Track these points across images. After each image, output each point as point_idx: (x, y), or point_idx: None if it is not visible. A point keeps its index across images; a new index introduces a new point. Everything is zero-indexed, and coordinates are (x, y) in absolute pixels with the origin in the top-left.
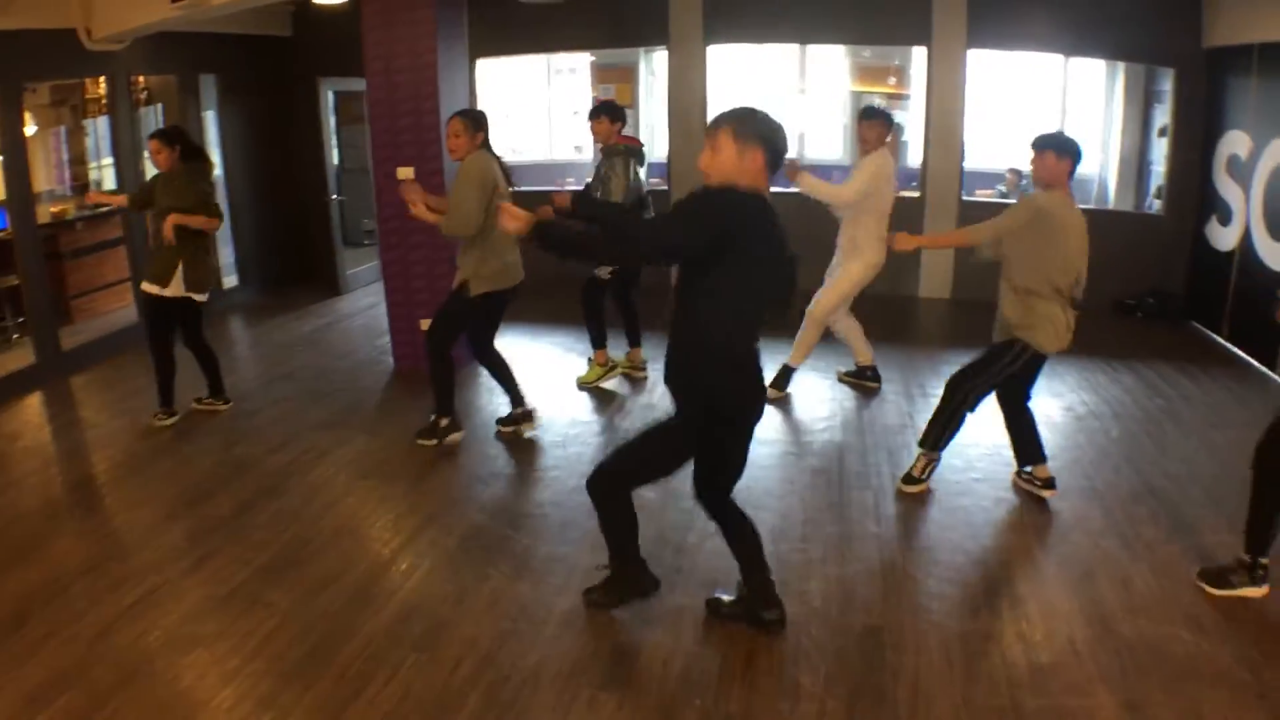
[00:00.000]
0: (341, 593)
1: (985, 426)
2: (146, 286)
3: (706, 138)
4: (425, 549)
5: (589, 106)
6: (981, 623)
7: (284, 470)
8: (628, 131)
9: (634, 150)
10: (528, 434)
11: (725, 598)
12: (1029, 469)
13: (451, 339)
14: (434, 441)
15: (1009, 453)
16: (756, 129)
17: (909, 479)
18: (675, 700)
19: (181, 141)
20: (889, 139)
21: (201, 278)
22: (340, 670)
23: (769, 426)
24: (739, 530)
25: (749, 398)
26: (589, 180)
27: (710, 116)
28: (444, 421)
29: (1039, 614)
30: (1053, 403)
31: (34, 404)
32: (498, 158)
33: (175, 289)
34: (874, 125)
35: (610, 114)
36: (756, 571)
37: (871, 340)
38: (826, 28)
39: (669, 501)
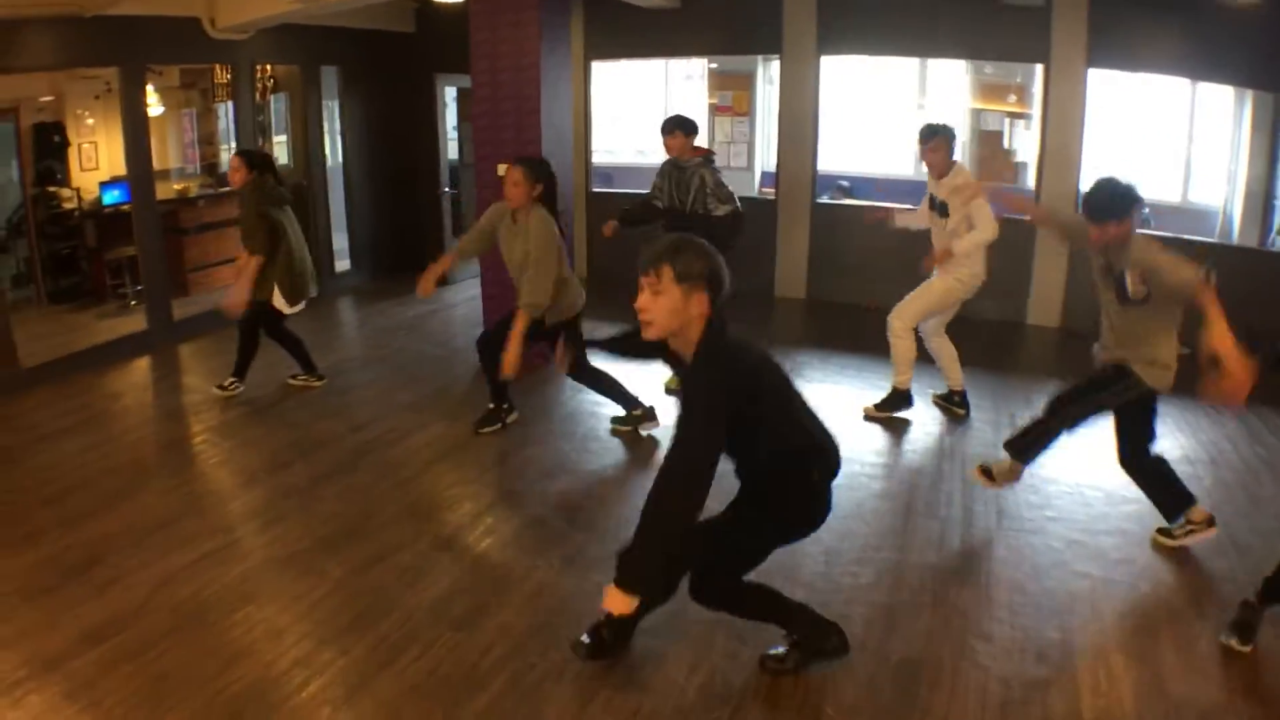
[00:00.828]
0: (393, 568)
1: (1069, 464)
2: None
3: (645, 278)
4: (481, 534)
5: (663, 118)
6: (1027, 669)
7: (363, 448)
8: (746, 137)
9: (710, 160)
10: (646, 432)
11: (777, 651)
12: (1181, 518)
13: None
14: (498, 426)
15: (1091, 493)
16: (701, 267)
17: (985, 470)
18: (692, 711)
19: (260, 167)
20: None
21: (296, 289)
22: (377, 640)
23: (846, 445)
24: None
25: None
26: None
27: (821, 128)
28: (503, 406)
29: (1090, 666)
30: (1156, 445)
31: (141, 367)
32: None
33: (278, 301)
34: (942, 143)
35: (685, 128)
36: (795, 615)
37: (967, 366)
38: (943, 42)
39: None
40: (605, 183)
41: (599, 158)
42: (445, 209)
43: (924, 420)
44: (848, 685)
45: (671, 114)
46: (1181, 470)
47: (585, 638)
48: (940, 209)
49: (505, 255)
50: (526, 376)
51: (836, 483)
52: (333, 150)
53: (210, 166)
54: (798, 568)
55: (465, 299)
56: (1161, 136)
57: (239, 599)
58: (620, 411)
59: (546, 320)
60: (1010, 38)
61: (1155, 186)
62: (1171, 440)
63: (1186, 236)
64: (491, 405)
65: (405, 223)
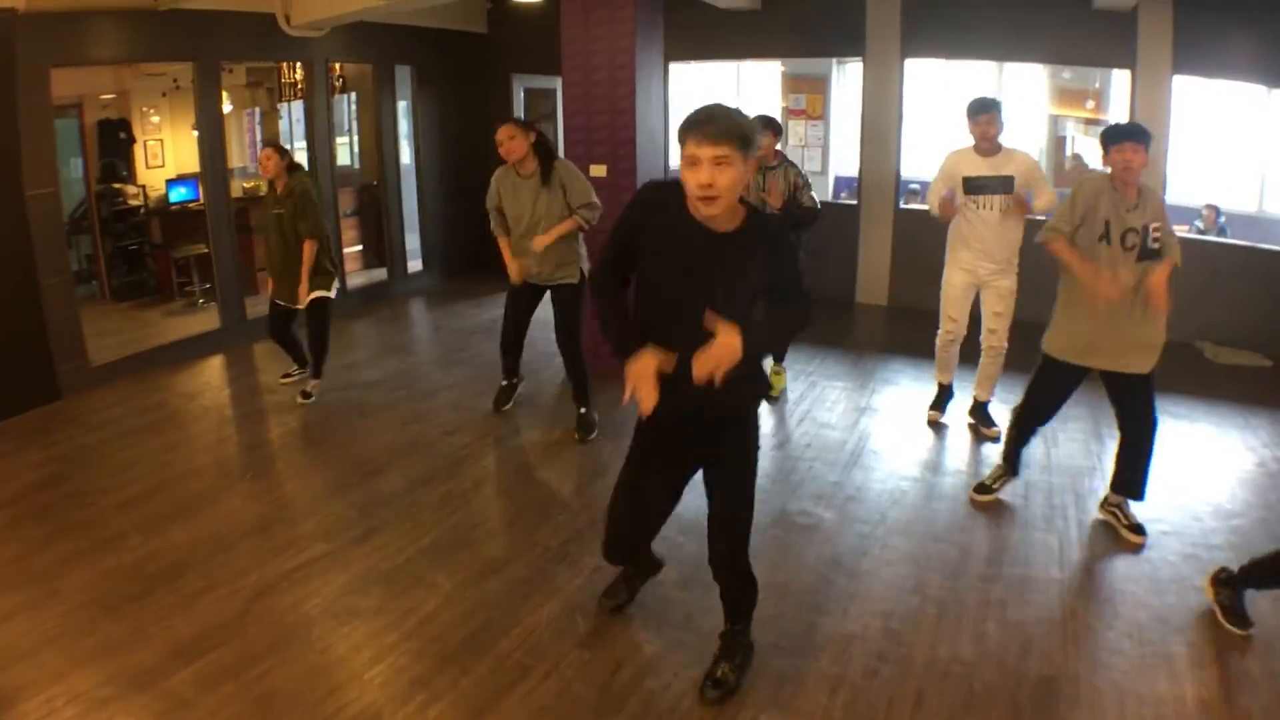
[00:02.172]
0: (506, 581)
1: (1172, 478)
2: (280, 300)
3: (704, 148)
4: (593, 547)
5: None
6: (1161, 685)
7: (457, 453)
8: (821, 141)
9: (789, 160)
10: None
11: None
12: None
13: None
14: (595, 433)
15: (1201, 507)
16: (752, 131)
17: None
18: None
19: (290, 156)
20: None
21: (324, 279)
22: (499, 659)
23: (954, 458)
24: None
25: None
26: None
27: (904, 132)
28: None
29: (1219, 681)
30: (1247, 456)
31: (215, 366)
32: None
33: (304, 299)
34: (997, 115)
35: (774, 128)
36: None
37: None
38: (1027, 46)
39: (845, 525)
40: None
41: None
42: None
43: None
44: (990, 706)
45: (758, 114)
46: None
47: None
48: (987, 186)
49: (514, 213)
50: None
51: (951, 494)
52: (405, 151)
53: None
54: (925, 583)
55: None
56: (1237, 145)
57: (344, 613)
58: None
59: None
60: (1096, 43)
61: (1231, 196)
62: (1268, 452)
63: (1263, 245)
64: (581, 410)
65: (477, 224)
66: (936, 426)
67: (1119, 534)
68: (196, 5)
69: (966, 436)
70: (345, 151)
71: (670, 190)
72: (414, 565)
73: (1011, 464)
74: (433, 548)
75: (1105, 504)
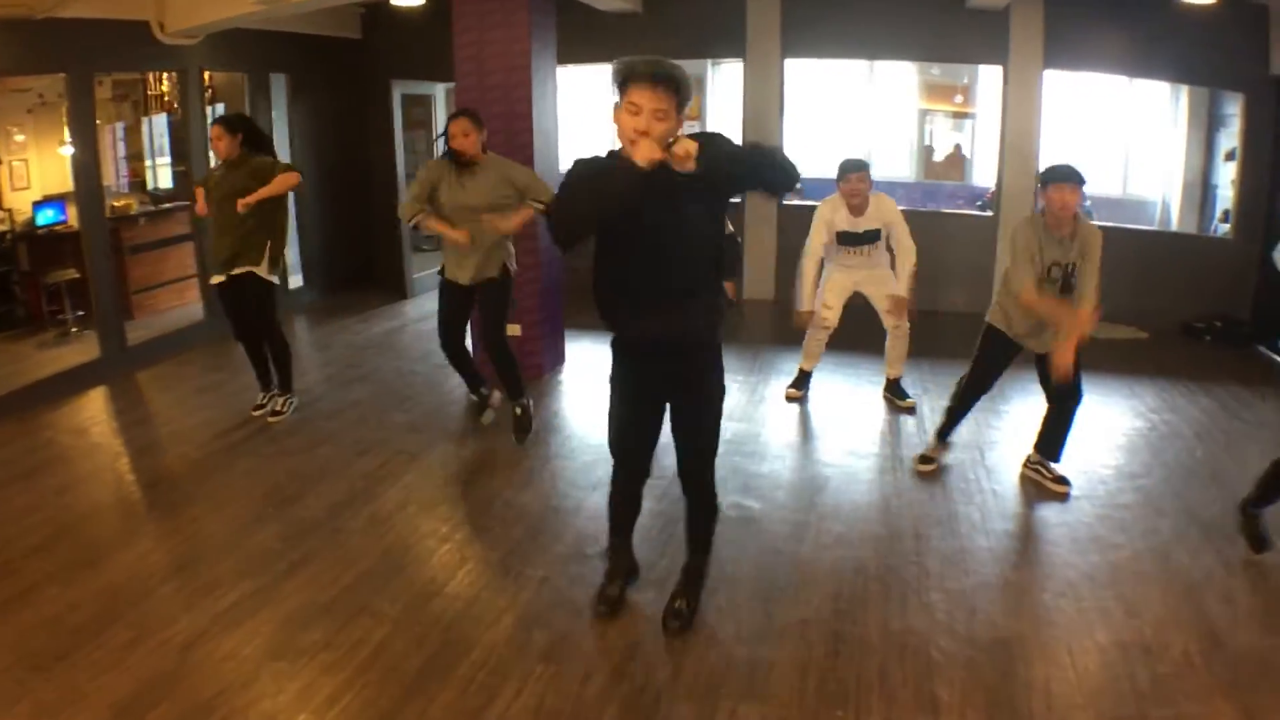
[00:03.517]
0: (452, 601)
1: (1076, 447)
2: (233, 270)
3: (645, 97)
4: (534, 557)
5: None
6: (1100, 635)
7: (374, 473)
8: None
9: None
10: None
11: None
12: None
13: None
14: (532, 430)
15: (1105, 471)
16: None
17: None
18: (817, 713)
19: (245, 129)
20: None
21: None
22: (464, 683)
23: (864, 441)
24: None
25: None
26: None
27: (785, 131)
28: (524, 404)
29: (1152, 627)
30: (1137, 422)
31: (99, 399)
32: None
33: (265, 269)
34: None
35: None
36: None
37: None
38: (903, 45)
39: (777, 514)
40: None
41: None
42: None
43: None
44: (952, 672)
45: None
46: (1173, 444)
47: (602, 602)
48: (859, 240)
49: (452, 207)
50: (533, 383)
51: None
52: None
53: (140, 184)
54: (864, 563)
55: (430, 313)
56: (1101, 132)
57: (289, 652)
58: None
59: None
60: (969, 40)
61: (1097, 180)
62: (1157, 417)
63: (1128, 225)
64: (518, 411)
65: (359, 236)
66: (844, 415)
67: (1044, 487)
68: (69, 13)
69: (869, 419)
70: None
71: (601, 158)
72: (353, 594)
73: (945, 435)
74: (369, 574)
75: (1028, 463)
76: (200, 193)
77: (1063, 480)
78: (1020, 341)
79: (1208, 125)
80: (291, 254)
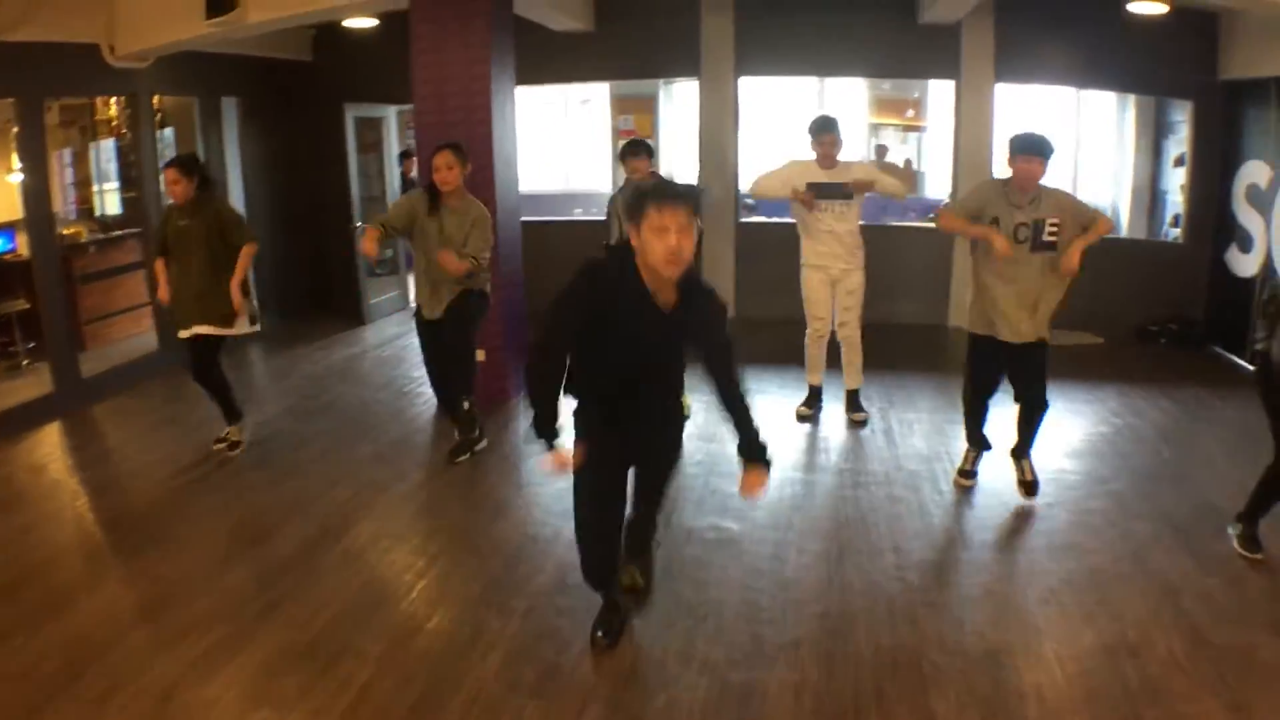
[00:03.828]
0: (436, 638)
1: (1045, 454)
2: (202, 329)
3: (672, 217)
4: (516, 588)
5: (623, 142)
6: (1086, 640)
7: (344, 507)
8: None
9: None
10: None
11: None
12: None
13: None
14: (468, 454)
15: (1074, 477)
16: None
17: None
18: None
19: (200, 170)
20: None
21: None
22: None
23: (834, 457)
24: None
25: None
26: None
27: (741, 148)
28: (473, 435)
29: (1136, 629)
30: (1102, 426)
31: (55, 434)
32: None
33: (241, 327)
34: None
35: (649, 152)
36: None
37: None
38: (857, 61)
39: (756, 535)
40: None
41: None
42: (358, 245)
43: (893, 426)
44: (946, 685)
45: (632, 139)
46: (1140, 447)
47: (600, 630)
48: (831, 192)
49: (423, 246)
50: (500, 408)
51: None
52: (233, 186)
53: (88, 211)
54: (848, 580)
55: (388, 339)
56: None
57: (271, 698)
58: None
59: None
60: (921, 56)
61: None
62: (1121, 421)
63: None
64: (465, 405)
65: (314, 261)
66: (811, 428)
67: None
68: (18, 37)
69: (840, 434)
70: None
71: (613, 265)
72: (332, 634)
73: (977, 442)
74: (347, 612)
75: (1014, 452)
76: (160, 265)
77: (1033, 486)
78: (992, 334)
79: (1155, 132)
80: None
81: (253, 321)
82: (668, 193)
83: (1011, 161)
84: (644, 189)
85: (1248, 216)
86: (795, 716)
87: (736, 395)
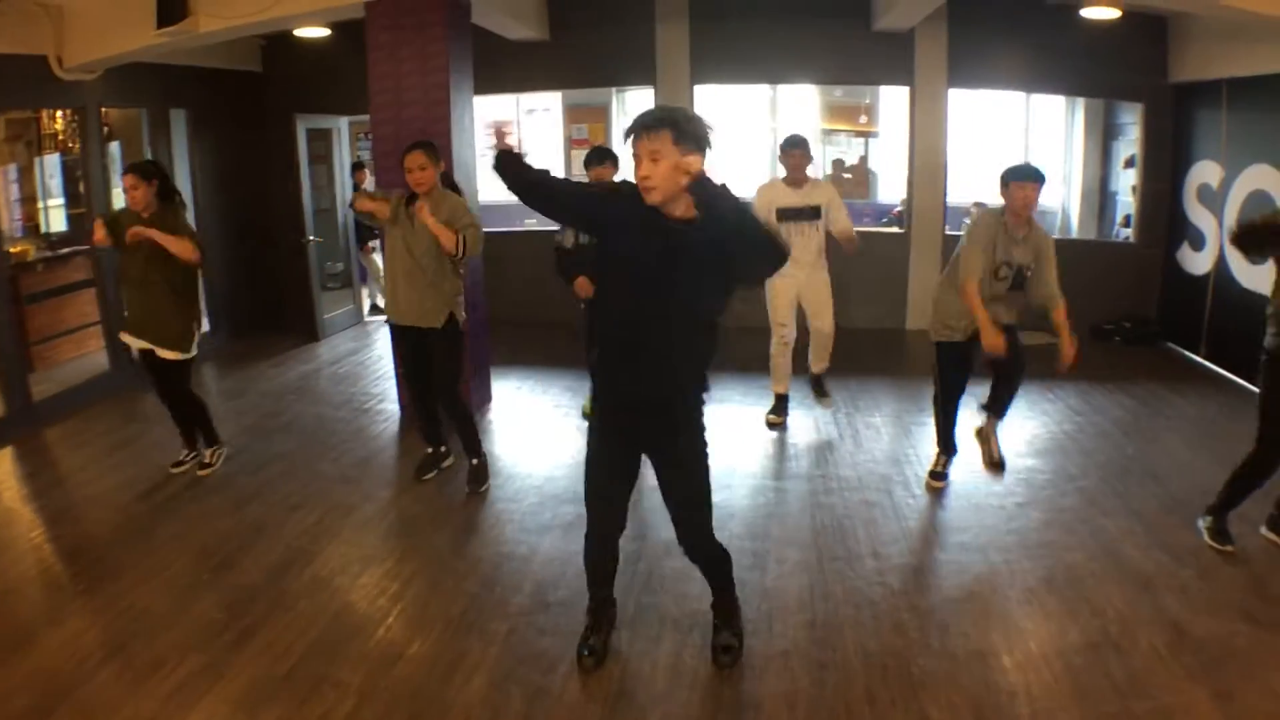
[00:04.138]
0: (417, 664)
1: (1013, 456)
2: (165, 354)
3: (641, 145)
4: (495, 609)
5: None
6: (1070, 637)
7: (310, 531)
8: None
9: None
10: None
11: (728, 641)
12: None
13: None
14: (435, 471)
15: (1043, 476)
16: (697, 129)
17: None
18: None
19: (159, 176)
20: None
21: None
22: None
23: (803, 464)
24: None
25: None
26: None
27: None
28: (440, 450)
29: (1117, 624)
30: (1065, 425)
31: (7, 460)
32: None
33: (175, 350)
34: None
35: (615, 160)
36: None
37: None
38: (812, 68)
39: (733, 545)
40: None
41: None
42: (311, 258)
43: (860, 429)
44: (937, 688)
45: (597, 146)
46: (1105, 444)
47: (585, 651)
48: (799, 215)
49: (397, 250)
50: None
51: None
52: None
53: (34, 228)
54: (830, 587)
55: (344, 355)
56: (1000, 145)
57: None
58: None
59: (458, 316)
60: (876, 62)
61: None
62: (1084, 419)
63: None
64: (429, 450)
65: (266, 276)
66: (780, 436)
67: (983, 454)
68: None
69: (809, 440)
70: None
71: (629, 188)
72: (309, 663)
73: (948, 446)
74: (322, 640)
75: (979, 432)
76: (100, 223)
77: (1000, 465)
78: (963, 336)
79: (1104, 135)
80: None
81: (185, 345)
82: (636, 122)
83: (1005, 191)
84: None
85: (1199, 215)
86: None
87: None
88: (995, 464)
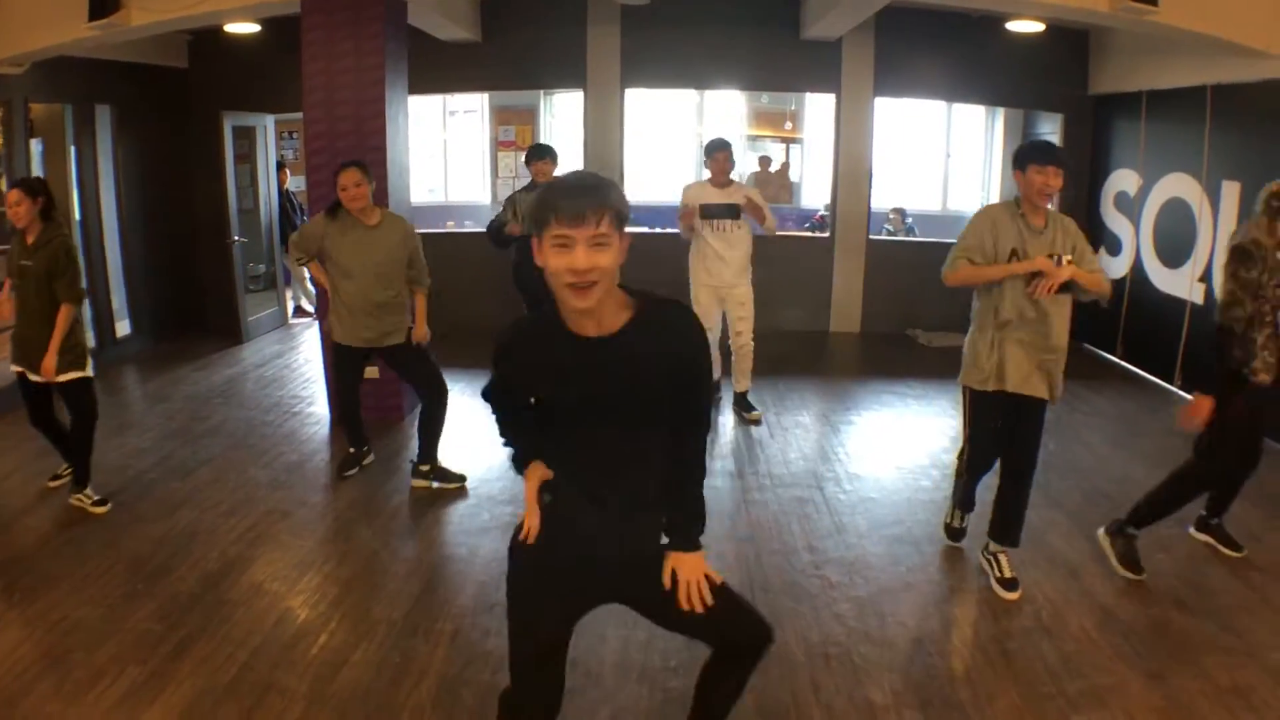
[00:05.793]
0: (364, 669)
1: (945, 456)
2: (66, 376)
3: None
4: (438, 611)
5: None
6: (1004, 623)
7: (244, 536)
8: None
9: None
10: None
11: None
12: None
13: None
14: (356, 469)
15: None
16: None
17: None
18: None
19: (45, 193)
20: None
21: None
22: None
23: (732, 460)
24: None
25: None
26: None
27: (625, 157)
28: (363, 449)
29: (1048, 610)
30: None
31: None
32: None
33: (51, 373)
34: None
35: (555, 157)
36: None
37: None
38: (740, 74)
39: None
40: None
41: None
42: (236, 259)
43: (790, 426)
44: (879, 676)
45: (537, 143)
46: None
47: None
48: (720, 212)
49: (346, 263)
50: (391, 427)
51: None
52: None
53: None
54: (769, 581)
55: (269, 357)
56: (921, 152)
57: None
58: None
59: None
60: (804, 70)
61: (918, 198)
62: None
63: (949, 240)
64: (351, 449)
65: (189, 277)
66: (710, 435)
67: (990, 587)
68: None
69: (738, 440)
70: None
71: (521, 324)
72: (253, 672)
73: (965, 503)
74: (265, 648)
75: (985, 551)
76: (8, 284)
77: (1012, 585)
78: (998, 387)
79: (1021, 142)
80: (118, 299)
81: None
82: (573, 193)
83: (1023, 175)
84: (544, 192)
85: (1115, 222)
86: (741, 714)
87: (692, 466)
88: (1008, 580)
